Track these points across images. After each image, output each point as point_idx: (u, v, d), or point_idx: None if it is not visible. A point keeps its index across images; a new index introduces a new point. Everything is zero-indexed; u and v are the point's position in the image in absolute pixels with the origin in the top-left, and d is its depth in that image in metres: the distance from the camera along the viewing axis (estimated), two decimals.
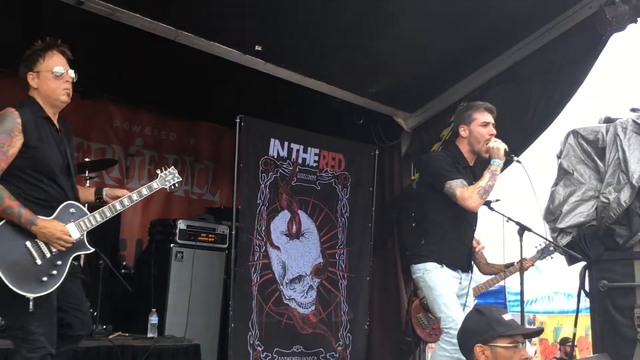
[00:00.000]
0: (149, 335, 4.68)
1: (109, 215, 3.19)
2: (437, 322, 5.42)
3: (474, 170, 4.09)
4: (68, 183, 3.15)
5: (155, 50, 4.97)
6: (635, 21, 4.68)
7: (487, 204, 4.04)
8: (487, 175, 3.87)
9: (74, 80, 3.20)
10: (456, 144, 4.13)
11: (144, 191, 3.35)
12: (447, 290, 3.88)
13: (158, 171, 3.51)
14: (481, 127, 4.02)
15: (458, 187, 3.83)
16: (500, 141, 3.94)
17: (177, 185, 3.54)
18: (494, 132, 4.02)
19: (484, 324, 2.51)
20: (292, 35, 5.04)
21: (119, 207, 3.22)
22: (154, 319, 4.73)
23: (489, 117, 4.04)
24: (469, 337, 2.54)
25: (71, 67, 3.20)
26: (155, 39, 4.71)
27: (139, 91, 5.98)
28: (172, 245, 5.32)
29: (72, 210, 3.11)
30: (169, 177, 3.49)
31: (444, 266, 3.92)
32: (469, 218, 4.05)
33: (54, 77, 3.10)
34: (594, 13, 4.82)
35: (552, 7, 5.01)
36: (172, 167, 3.58)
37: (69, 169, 3.18)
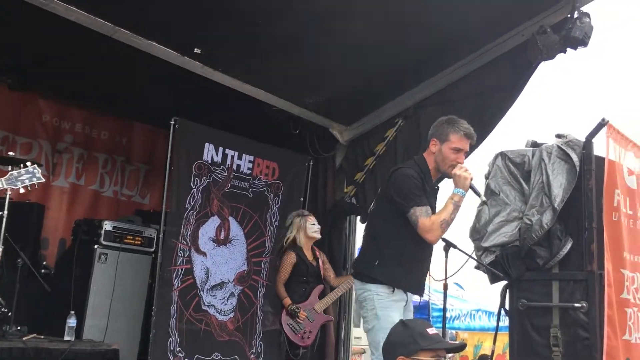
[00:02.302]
0: (66, 338, 4.51)
1: None
2: (309, 326, 5.59)
3: (436, 192, 3.99)
4: None
5: (91, 45, 4.84)
6: (565, 51, 4.85)
7: None
8: (450, 207, 3.70)
9: None
10: (424, 157, 3.95)
11: None
12: (393, 324, 3.71)
13: (10, 168, 3.32)
14: (452, 151, 3.83)
15: (422, 216, 3.65)
16: (467, 169, 3.76)
17: (37, 185, 3.32)
18: (463, 161, 3.85)
19: (408, 336, 2.54)
20: (232, 41, 5.02)
21: None
22: (72, 322, 4.57)
23: (464, 144, 3.86)
24: (393, 349, 2.56)
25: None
26: (91, 34, 4.60)
27: (72, 87, 5.80)
28: (96, 246, 5.17)
29: None
30: (23, 176, 3.29)
31: (395, 290, 3.80)
32: (428, 243, 3.90)
33: None
34: (526, 41, 4.99)
35: (486, 33, 5.17)
36: (36, 165, 3.35)
37: None
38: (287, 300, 5.62)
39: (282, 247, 5.82)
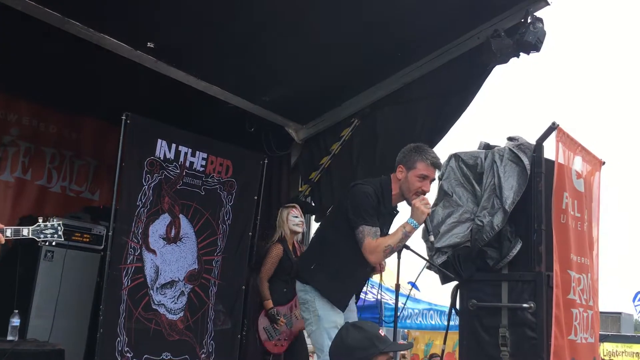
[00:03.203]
0: (9, 338, 4.37)
1: None
2: (285, 333, 5.48)
3: (392, 217, 4.01)
4: None
5: (39, 36, 4.69)
6: (518, 55, 4.93)
7: None
8: (399, 234, 3.72)
9: None
10: (390, 180, 3.98)
11: (7, 232, 3.27)
12: (335, 324, 3.73)
13: (40, 219, 3.41)
14: (418, 179, 3.87)
15: (368, 236, 3.68)
16: (427, 204, 3.80)
17: (53, 244, 3.47)
18: (429, 189, 3.90)
19: (366, 340, 2.53)
20: (187, 36, 4.94)
21: None
22: (15, 321, 4.43)
23: (430, 173, 3.91)
24: (349, 353, 2.55)
25: None
26: (40, 24, 4.46)
27: (19, 78, 5.61)
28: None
29: None
30: (48, 230, 3.40)
31: None
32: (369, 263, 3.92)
33: None
34: (480, 44, 5.06)
35: (442, 35, 5.22)
36: (61, 223, 3.45)
37: None
38: (269, 303, 5.43)
39: (269, 242, 5.65)
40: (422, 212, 3.73)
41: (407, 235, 3.73)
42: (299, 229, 5.69)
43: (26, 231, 3.37)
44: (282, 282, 5.53)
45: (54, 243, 3.50)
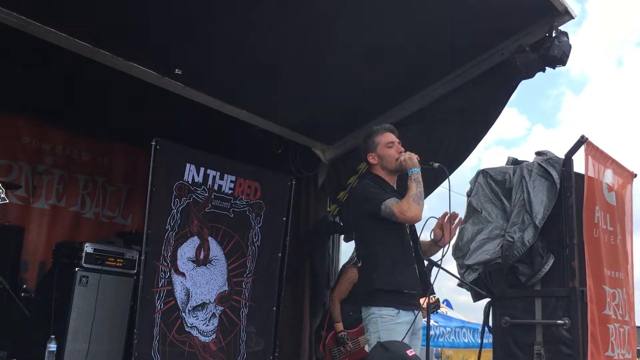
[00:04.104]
0: None
1: None
2: (348, 358, 5.46)
3: (399, 193, 3.96)
4: None
5: (70, 66, 4.82)
6: (543, 70, 4.89)
7: None
8: (413, 185, 3.76)
9: None
10: (372, 173, 4.04)
11: None
12: None
13: None
14: (387, 148, 3.96)
15: (393, 205, 3.69)
16: (410, 153, 3.87)
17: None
18: (402, 149, 3.97)
19: (389, 359, 2.54)
20: (213, 61, 5.02)
21: None
22: (52, 346, 4.49)
23: (391, 137, 4.00)
24: None
25: None
26: (71, 55, 4.58)
27: (52, 108, 5.76)
28: (77, 269, 5.10)
29: None
30: None
31: (400, 312, 3.70)
32: (413, 243, 3.90)
33: None
34: (505, 59, 5.04)
35: (466, 52, 5.21)
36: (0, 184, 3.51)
37: None
38: (340, 326, 5.52)
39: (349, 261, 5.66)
40: (410, 158, 3.82)
41: (418, 182, 3.76)
42: None
43: None
44: (354, 306, 5.52)
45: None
